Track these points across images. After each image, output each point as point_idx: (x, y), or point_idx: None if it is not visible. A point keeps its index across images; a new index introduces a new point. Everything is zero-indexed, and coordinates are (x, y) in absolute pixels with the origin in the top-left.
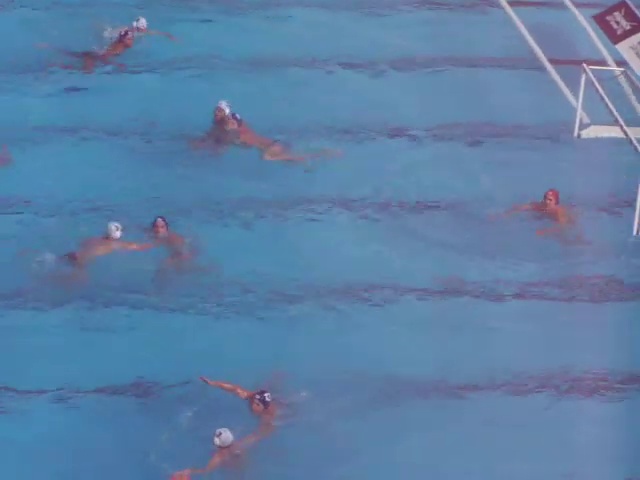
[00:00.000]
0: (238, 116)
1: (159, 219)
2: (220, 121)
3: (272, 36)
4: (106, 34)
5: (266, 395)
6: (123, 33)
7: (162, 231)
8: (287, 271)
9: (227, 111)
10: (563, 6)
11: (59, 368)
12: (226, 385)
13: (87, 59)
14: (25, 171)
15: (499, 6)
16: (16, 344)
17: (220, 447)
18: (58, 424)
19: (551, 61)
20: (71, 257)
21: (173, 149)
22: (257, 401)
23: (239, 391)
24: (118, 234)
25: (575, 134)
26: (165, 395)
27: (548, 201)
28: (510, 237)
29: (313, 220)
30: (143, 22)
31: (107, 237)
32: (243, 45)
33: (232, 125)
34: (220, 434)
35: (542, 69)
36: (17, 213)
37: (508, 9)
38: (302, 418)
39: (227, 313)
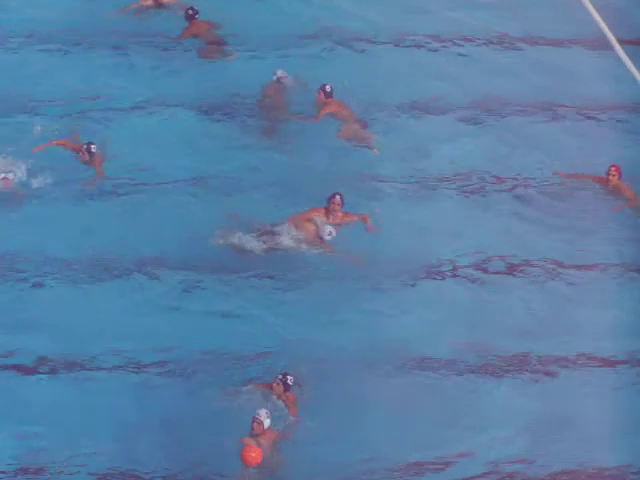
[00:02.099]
0: (328, 88)
1: None
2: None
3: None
4: None
5: (289, 377)
6: None
7: None
8: None
9: None
10: None
11: None
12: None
13: None
14: None
15: None
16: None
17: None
18: None
19: (619, 41)
20: None
21: None
22: (278, 381)
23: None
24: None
25: None
26: None
27: (611, 176)
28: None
29: None
30: None
31: None
32: None
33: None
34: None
35: (610, 48)
36: None
37: None
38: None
39: None
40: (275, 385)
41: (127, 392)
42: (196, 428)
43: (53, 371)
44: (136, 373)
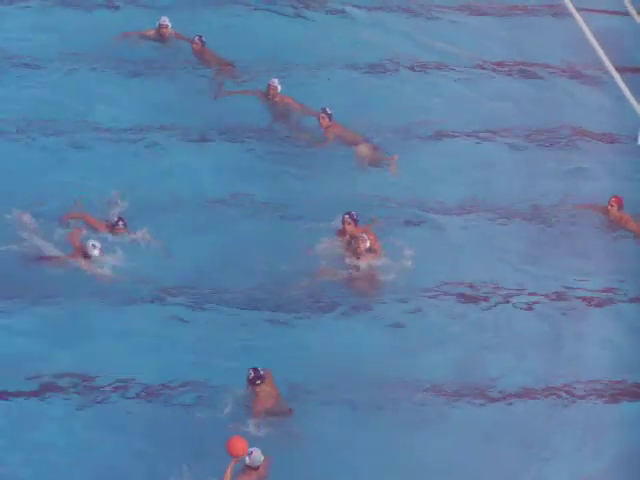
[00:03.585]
0: (329, 110)
1: None
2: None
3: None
4: None
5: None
6: None
7: None
8: None
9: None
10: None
11: None
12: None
13: None
14: None
15: (563, 13)
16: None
17: (248, 467)
18: None
19: (616, 68)
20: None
21: None
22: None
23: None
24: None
25: (639, 143)
26: None
27: (610, 207)
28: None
29: None
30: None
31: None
32: None
33: (323, 120)
34: (251, 453)
35: (607, 76)
36: None
37: (576, 15)
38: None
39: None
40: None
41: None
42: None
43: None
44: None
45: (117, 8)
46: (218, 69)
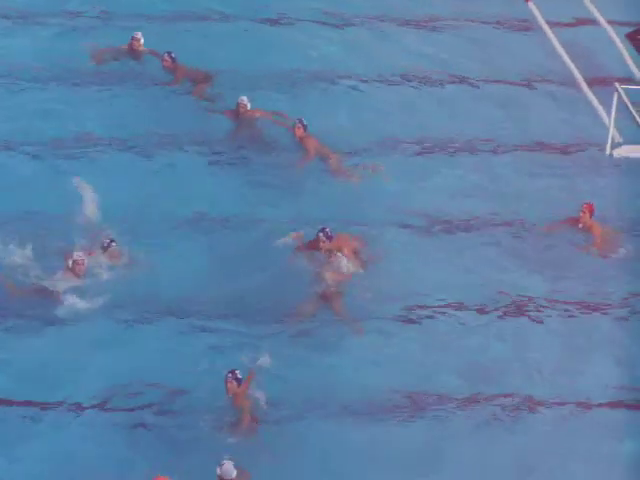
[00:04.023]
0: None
1: None
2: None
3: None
4: None
5: (237, 372)
6: None
7: None
8: None
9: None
10: (596, 24)
11: None
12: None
13: None
14: None
15: (532, 27)
16: None
17: (220, 477)
18: None
19: (584, 80)
20: None
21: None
22: (229, 378)
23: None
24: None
25: (607, 153)
26: None
27: (582, 214)
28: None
29: None
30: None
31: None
32: None
33: (298, 130)
34: (222, 465)
35: (575, 87)
36: None
37: (546, 28)
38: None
39: None
40: (229, 384)
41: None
42: None
43: None
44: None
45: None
46: (195, 84)
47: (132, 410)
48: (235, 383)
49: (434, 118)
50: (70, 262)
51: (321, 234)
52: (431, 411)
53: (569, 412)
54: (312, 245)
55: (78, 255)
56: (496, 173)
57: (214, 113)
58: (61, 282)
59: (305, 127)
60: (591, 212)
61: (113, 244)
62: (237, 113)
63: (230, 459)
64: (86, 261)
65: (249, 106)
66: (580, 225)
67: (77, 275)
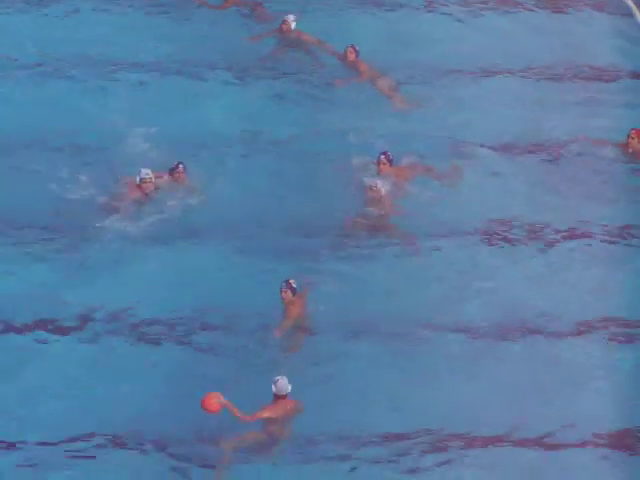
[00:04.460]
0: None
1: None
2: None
3: None
4: None
5: (292, 281)
6: None
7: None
8: None
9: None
10: None
11: None
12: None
13: None
14: None
15: None
16: None
17: (275, 394)
18: None
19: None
20: None
21: None
22: (284, 287)
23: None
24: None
25: None
26: None
27: (631, 139)
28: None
29: None
30: None
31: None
32: None
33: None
34: (277, 381)
35: (630, 15)
36: None
37: None
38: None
39: None
40: (284, 294)
41: None
42: None
43: None
44: None
45: None
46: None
47: (188, 334)
48: (290, 292)
49: (486, 46)
50: (137, 179)
51: (382, 157)
52: None
53: None
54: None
55: (146, 173)
56: (544, 95)
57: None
58: (127, 200)
59: (357, 52)
60: None
61: (180, 166)
62: (281, 31)
63: (284, 376)
64: (154, 179)
65: (293, 25)
66: (630, 150)
67: (144, 193)
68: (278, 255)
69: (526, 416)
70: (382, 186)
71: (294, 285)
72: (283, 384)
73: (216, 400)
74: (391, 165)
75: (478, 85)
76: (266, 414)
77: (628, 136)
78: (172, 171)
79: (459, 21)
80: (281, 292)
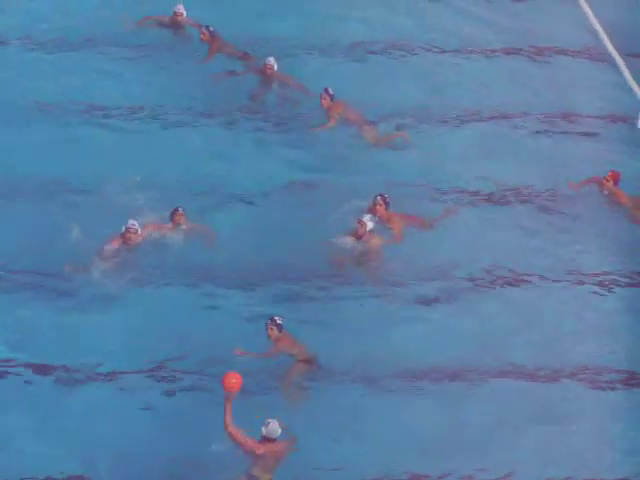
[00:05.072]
0: (330, 91)
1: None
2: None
3: None
4: None
5: (276, 318)
6: None
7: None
8: None
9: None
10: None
11: None
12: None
13: None
14: None
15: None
16: None
17: (264, 437)
18: None
19: (619, 53)
20: None
21: None
22: (269, 324)
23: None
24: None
25: (639, 126)
26: None
27: (605, 181)
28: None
29: None
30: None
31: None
32: None
33: (325, 101)
34: (268, 424)
35: (609, 61)
36: None
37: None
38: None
39: None
40: (270, 331)
41: None
42: None
43: None
44: None
45: None
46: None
47: (184, 372)
48: (276, 329)
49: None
50: (123, 229)
51: (379, 198)
52: None
53: None
54: (370, 210)
55: (132, 224)
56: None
57: (239, 74)
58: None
59: (331, 96)
60: (615, 180)
61: (180, 209)
62: (264, 73)
63: (275, 419)
64: (139, 231)
65: (275, 67)
66: (605, 192)
67: (127, 244)
68: (268, 298)
69: None
70: (369, 220)
71: (279, 322)
72: (274, 428)
73: (234, 380)
74: (387, 208)
75: (461, 131)
76: (254, 445)
77: (604, 177)
78: (172, 215)
79: (440, 67)
80: (267, 329)
